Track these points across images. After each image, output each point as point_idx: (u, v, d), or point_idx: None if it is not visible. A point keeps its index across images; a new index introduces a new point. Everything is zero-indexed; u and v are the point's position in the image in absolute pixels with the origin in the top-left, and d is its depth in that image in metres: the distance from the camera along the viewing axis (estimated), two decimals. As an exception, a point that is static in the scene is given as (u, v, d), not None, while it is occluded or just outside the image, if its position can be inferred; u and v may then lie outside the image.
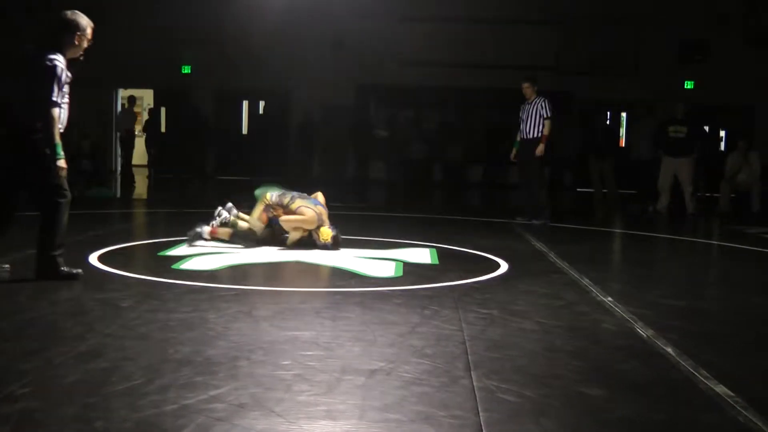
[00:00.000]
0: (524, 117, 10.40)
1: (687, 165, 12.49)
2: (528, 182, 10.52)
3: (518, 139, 10.53)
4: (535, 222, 10.19)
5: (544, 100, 10.28)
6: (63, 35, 5.27)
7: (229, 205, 7.42)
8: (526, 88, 10.42)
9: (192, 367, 3.45)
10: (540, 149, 10.14)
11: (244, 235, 7.22)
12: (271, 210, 7.24)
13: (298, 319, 4.47)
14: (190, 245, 7.05)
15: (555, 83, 19.08)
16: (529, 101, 10.39)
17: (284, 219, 7.18)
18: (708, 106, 18.23)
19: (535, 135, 10.23)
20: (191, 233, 7.12)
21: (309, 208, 7.17)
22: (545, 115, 10.20)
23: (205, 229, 7.18)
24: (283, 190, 7.38)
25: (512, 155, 10.60)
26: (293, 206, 7.17)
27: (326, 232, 7.18)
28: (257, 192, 7.46)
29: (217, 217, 7.31)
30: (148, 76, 19.60)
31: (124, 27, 18.68)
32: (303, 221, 7.15)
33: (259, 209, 7.28)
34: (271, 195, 7.29)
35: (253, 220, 7.28)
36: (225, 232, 7.19)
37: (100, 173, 14.47)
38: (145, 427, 2.78)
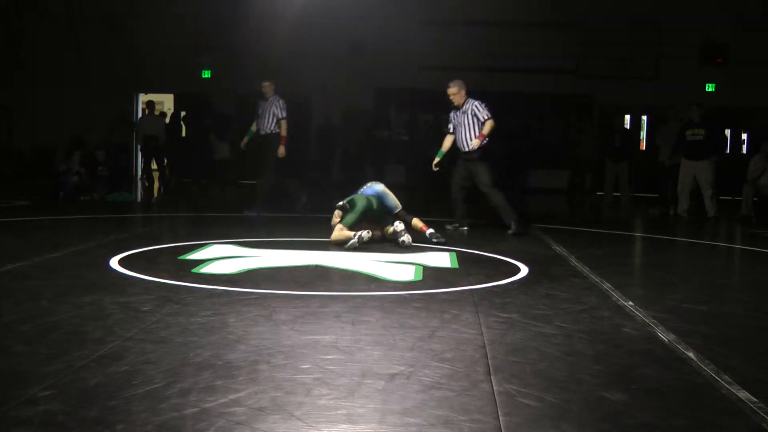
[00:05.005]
0: (260, 113, 11.02)
1: (706, 168, 12.40)
2: (261, 175, 11.17)
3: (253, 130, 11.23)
4: (251, 213, 10.80)
5: (279, 100, 10.87)
6: None
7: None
8: (267, 86, 10.98)
9: (212, 371, 3.46)
10: (281, 150, 10.74)
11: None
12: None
13: (318, 323, 4.48)
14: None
15: (576, 87, 19.07)
16: (267, 99, 10.96)
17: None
18: (730, 109, 18.11)
19: (272, 130, 10.89)
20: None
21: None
22: (279, 115, 10.83)
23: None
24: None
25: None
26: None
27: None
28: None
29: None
30: (168, 80, 19.73)
31: (145, 32, 18.81)
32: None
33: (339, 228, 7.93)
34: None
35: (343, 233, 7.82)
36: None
37: (120, 178, 14.53)
38: (166, 430, 2.79)
